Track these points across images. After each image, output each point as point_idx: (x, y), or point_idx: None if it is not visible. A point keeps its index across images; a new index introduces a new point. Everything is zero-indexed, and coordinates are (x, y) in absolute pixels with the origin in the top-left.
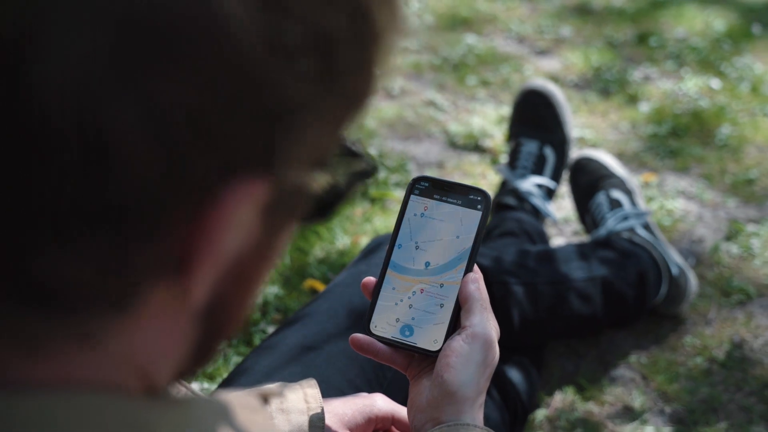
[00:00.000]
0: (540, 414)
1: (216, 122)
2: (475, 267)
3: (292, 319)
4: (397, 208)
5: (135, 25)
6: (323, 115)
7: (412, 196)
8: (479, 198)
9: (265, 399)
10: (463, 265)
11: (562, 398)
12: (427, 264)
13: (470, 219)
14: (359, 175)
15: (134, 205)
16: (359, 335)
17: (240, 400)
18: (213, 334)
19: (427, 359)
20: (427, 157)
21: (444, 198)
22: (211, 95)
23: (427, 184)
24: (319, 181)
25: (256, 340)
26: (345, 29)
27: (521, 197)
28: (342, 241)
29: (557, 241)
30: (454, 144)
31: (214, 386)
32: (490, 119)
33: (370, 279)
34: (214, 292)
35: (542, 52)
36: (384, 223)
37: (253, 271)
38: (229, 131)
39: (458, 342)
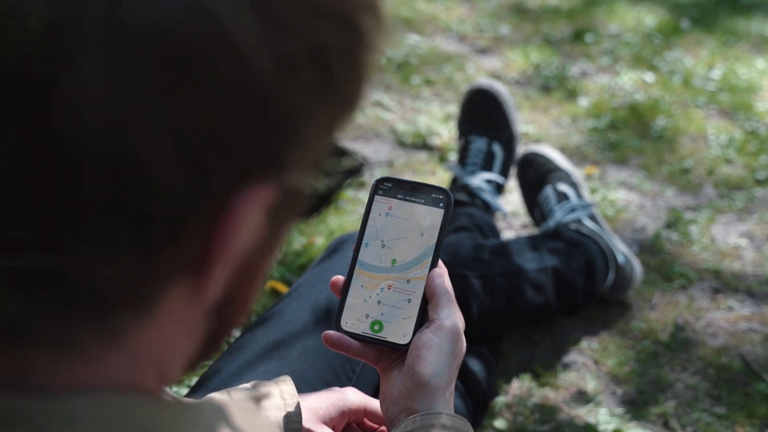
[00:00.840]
0: (499, 401)
1: (231, 135)
2: (440, 262)
3: (259, 320)
4: (351, 208)
5: (156, 53)
6: (322, 120)
7: (376, 197)
8: (441, 197)
9: (258, 401)
10: (428, 261)
11: (519, 385)
12: (394, 261)
13: (433, 217)
14: (349, 172)
15: (160, 213)
16: (331, 332)
17: (237, 404)
18: (221, 328)
19: (397, 352)
20: (377, 157)
21: (407, 197)
22: (226, 111)
23: (390, 185)
24: (316, 180)
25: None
26: (337, 40)
27: (472, 193)
28: (298, 242)
29: (507, 234)
30: (402, 143)
31: (183, 390)
32: (436, 118)
33: (339, 278)
34: (225, 288)
35: (483, 51)
36: (338, 222)
37: (258, 267)
38: (242, 143)
39: (428, 335)
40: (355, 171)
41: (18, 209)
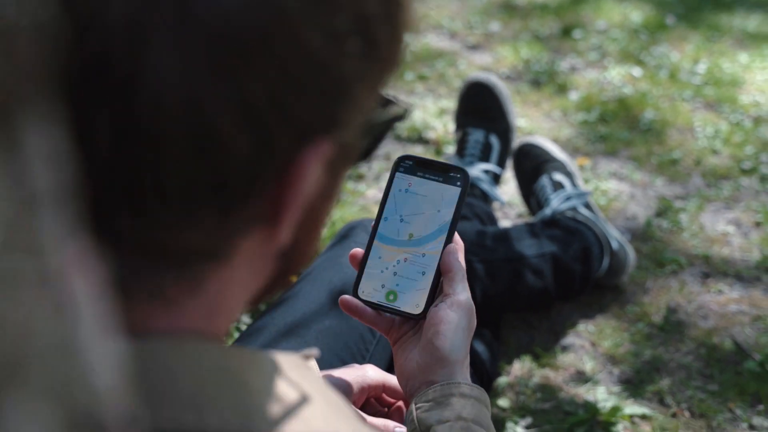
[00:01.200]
0: (502, 381)
1: (292, 104)
2: (456, 237)
3: (275, 303)
4: (351, 199)
5: (223, 38)
6: (369, 81)
7: (397, 173)
8: (458, 175)
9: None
10: (444, 237)
11: (520, 366)
12: (411, 235)
13: (450, 194)
14: (394, 119)
15: (234, 178)
16: (348, 297)
17: (286, 358)
18: (288, 268)
19: (409, 322)
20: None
21: (426, 175)
22: (286, 84)
23: (411, 163)
24: (365, 131)
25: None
26: (378, 9)
27: (471, 183)
28: None
29: (503, 223)
30: (399, 137)
31: None
32: (430, 112)
33: (358, 250)
34: (292, 234)
35: (474, 47)
36: (340, 214)
37: (320, 213)
38: (301, 109)
39: (445, 310)
40: (399, 118)
41: (111, 186)
